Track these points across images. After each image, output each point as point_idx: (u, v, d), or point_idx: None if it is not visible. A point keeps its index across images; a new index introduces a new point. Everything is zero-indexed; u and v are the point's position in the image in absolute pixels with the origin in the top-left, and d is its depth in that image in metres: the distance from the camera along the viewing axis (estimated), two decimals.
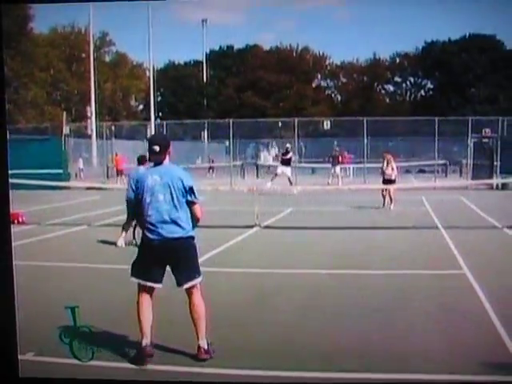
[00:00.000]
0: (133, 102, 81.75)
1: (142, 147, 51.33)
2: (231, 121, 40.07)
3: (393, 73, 79.83)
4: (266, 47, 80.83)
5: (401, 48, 77.92)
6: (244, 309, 8.90)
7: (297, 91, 75.70)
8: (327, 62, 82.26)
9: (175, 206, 6.53)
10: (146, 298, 6.63)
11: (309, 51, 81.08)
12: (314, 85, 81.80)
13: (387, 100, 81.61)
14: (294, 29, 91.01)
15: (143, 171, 6.88)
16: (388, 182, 22.25)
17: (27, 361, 5.52)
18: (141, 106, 79.89)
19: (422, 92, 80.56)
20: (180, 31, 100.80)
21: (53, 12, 67.00)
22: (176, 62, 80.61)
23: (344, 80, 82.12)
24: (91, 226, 18.47)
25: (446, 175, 40.73)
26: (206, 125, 55.29)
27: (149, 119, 56.79)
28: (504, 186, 30.18)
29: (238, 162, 45.37)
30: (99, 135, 45.52)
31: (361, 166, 39.72)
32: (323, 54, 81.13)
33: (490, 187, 31.21)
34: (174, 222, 6.53)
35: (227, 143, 43.12)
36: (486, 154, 34.80)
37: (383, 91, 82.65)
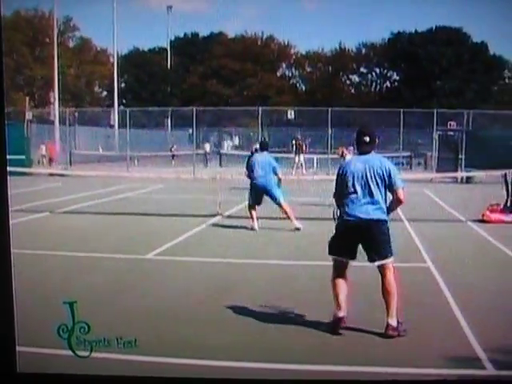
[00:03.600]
0: (96, 88, 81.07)
1: (104, 134, 51.31)
2: (195, 109, 40.04)
3: (358, 63, 79.88)
4: (231, 35, 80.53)
5: (367, 38, 78.01)
6: (204, 299, 8.79)
7: (261, 80, 75.50)
8: (292, 51, 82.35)
9: (373, 191, 7.13)
10: (341, 274, 7.30)
11: (274, 40, 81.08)
12: (278, 74, 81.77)
13: (352, 90, 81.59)
14: (260, 17, 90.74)
15: (349, 159, 7.75)
16: None
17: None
18: (104, 93, 79.06)
19: (388, 83, 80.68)
20: (145, 17, 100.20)
21: None
22: (141, 49, 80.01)
23: (309, 69, 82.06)
24: (54, 212, 18.30)
25: (410, 167, 40.70)
26: (169, 112, 55.07)
27: (112, 106, 56.30)
28: (468, 180, 30.20)
29: (201, 151, 45.40)
30: (62, 121, 45.03)
31: (325, 156, 39.52)
32: (288, 43, 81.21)
33: (455, 180, 31.23)
34: (370, 205, 7.15)
35: (190, 131, 43.04)
36: (451, 147, 34.71)
37: (348, 82, 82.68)
